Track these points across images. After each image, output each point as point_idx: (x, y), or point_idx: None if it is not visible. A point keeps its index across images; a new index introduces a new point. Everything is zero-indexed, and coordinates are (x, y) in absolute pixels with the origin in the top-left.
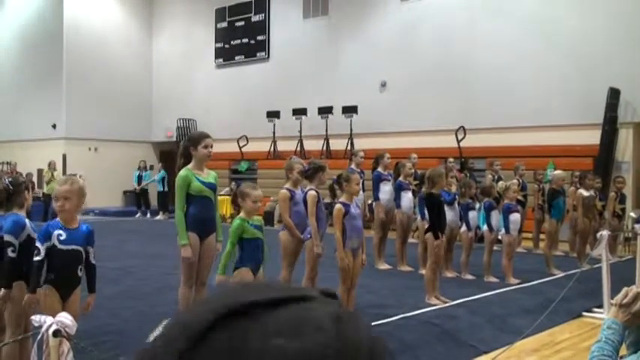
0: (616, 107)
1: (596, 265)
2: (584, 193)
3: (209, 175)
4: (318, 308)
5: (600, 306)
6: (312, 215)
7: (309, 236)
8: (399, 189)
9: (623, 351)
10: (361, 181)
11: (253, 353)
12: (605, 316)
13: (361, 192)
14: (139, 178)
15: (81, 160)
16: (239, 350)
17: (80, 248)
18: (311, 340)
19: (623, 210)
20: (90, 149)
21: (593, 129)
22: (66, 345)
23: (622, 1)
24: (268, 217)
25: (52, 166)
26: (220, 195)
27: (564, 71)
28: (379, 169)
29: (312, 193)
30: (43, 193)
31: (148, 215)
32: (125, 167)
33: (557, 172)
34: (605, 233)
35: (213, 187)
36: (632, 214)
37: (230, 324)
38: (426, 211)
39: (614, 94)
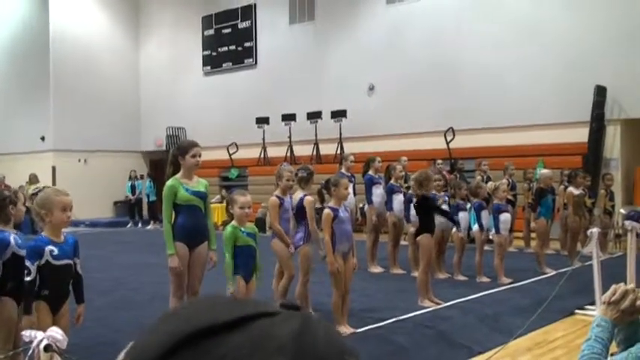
0: (603, 105)
1: (588, 263)
2: (575, 191)
3: (199, 184)
4: (280, 325)
5: (592, 303)
6: (311, 219)
7: (301, 243)
8: (390, 192)
9: (613, 348)
10: (352, 185)
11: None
12: (597, 313)
13: (351, 196)
14: (133, 188)
15: (70, 171)
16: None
17: (71, 262)
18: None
19: (613, 207)
20: (79, 161)
21: (581, 127)
22: (57, 359)
23: (608, 1)
24: (260, 224)
25: (32, 179)
26: (211, 203)
27: (551, 70)
28: (370, 173)
29: (310, 198)
30: (27, 207)
31: (140, 225)
32: (115, 178)
33: (545, 170)
34: (595, 230)
35: (202, 196)
36: (622, 211)
37: (187, 350)
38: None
39: (600, 92)
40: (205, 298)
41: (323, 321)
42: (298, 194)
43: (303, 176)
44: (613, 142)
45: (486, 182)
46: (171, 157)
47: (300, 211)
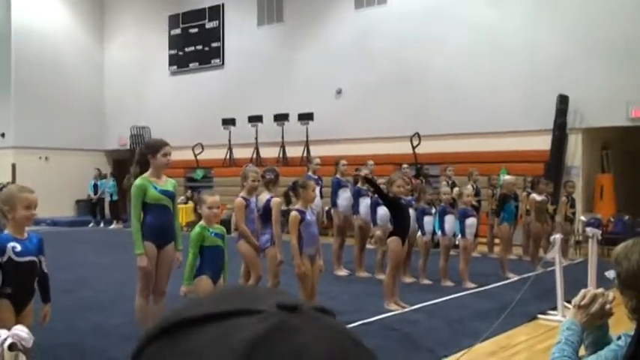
0: (565, 113)
1: (550, 268)
2: (537, 197)
3: (167, 183)
4: (247, 326)
5: (555, 308)
6: (276, 222)
7: (268, 245)
8: (357, 195)
9: (582, 352)
10: (319, 188)
11: None
12: (560, 317)
13: (318, 198)
14: (95, 187)
15: (31, 169)
16: None
17: (35, 259)
18: None
19: (574, 214)
20: (40, 158)
21: (543, 135)
22: (22, 359)
23: (571, 11)
24: (225, 225)
25: None
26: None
27: (515, 78)
28: (337, 176)
29: (277, 200)
30: None
31: (102, 225)
32: (77, 176)
33: (507, 177)
34: (558, 237)
35: (171, 195)
36: (583, 218)
37: (163, 339)
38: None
39: (563, 101)
40: (233, 287)
41: (313, 330)
42: (265, 196)
43: (271, 178)
44: (575, 150)
45: (451, 188)
46: (139, 156)
47: (266, 212)
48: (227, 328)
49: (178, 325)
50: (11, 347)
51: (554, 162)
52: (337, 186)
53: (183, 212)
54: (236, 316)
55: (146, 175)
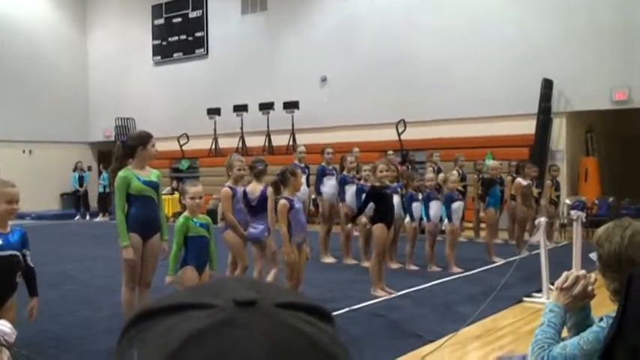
0: (550, 97)
1: (535, 252)
2: (523, 182)
3: (151, 174)
4: (192, 320)
5: (539, 291)
6: (272, 211)
7: (266, 234)
8: (343, 183)
9: (564, 334)
10: (305, 176)
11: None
12: (545, 300)
13: (305, 187)
14: (80, 180)
15: (14, 163)
16: (121, 356)
17: (17, 253)
18: (148, 356)
19: (558, 197)
20: (24, 151)
21: (528, 119)
22: (5, 354)
23: None
24: (211, 215)
25: None
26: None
27: (499, 63)
28: (323, 164)
29: (271, 189)
30: None
31: (87, 217)
32: (62, 169)
33: (491, 162)
34: (543, 220)
35: (155, 186)
36: (567, 201)
37: (133, 328)
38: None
39: (547, 85)
40: (213, 280)
41: (260, 327)
42: (257, 187)
43: (261, 169)
44: (559, 134)
45: (437, 173)
46: (128, 148)
47: (262, 203)
48: (177, 321)
49: (148, 314)
50: None
51: (539, 146)
52: (322, 174)
53: (169, 203)
54: (192, 309)
55: (130, 166)
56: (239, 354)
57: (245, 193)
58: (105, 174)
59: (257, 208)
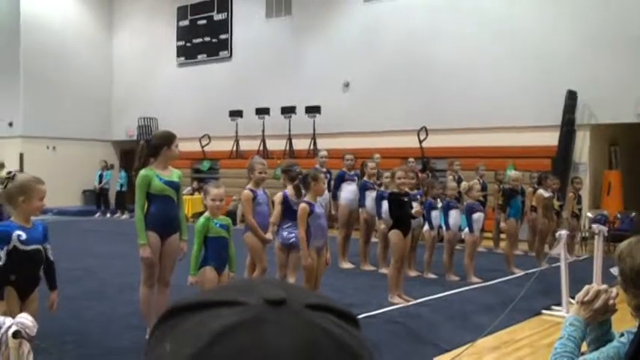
0: (574, 109)
1: (555, 264)
2: (544, 193)
3: (172, 174)
4: (223, 317)
5: (559, 304)
6: (302, 224)
7: (295, 239)
8: (363, 189)
9: (584, 348)
10: (327, 180)
11: (154, 354)
12: (564, 313)
13: (326, 191)
14: (100, 177)
15: (39, 158)
16: (153, 349)
17: (40, 247)
18: (181, 349)
19: (580, 210)
20: (48, 148)
21: (551, 130)
22: (26, 346)
23: (581, 6)
24: (231, 217)
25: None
26: (182, 194)
27: (524, 73)
28: (343, 169)
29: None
30: None
31: (108, 215)
32: (84, 166)
33: (513, 172)
34: (563, 233)
35: (176, 186)
36: (589, 214)
37: (165, 323)
38: (384, 210)
39: (571, 96)
40: (242, 279)
41: (288, 325)
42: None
43: (299, 172)
44: (582, 146)
45: (458, 182)
46: (151, 147)
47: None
48: (208, 317)
49: (180, 310)
50: (15, 335)
51: (562, 158)
52: (341, 179)
53: (190, 203)
54: (221, 306)
55: (152, 165)
56: (268, 349)
57: (286, 198)
58: (123, 172)
59: (289, 211)
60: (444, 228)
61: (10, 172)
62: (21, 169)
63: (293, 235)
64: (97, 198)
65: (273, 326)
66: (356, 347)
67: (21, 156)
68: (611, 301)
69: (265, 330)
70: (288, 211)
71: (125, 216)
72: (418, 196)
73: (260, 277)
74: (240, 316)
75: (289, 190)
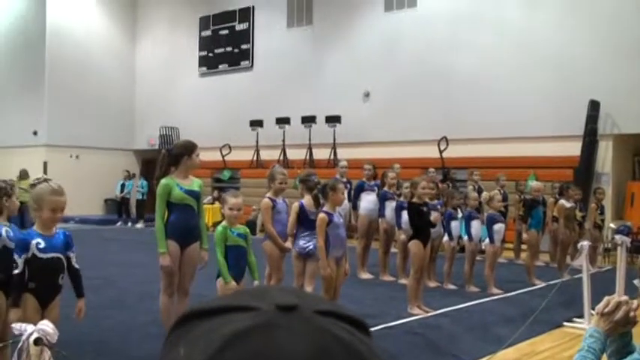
0: (596, 119)
1: (577, 276)
2: (566, 204)
3: (193, 183)
4: (235, 322)
5: (581, 316)
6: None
7: (312, 248)
8: (383, 199)
9: None
10: (347, 190)
11: (169, 358)
12: (586, 325)
13: (345, 201)
14: (122, 187)
15: (62, 167)
16: (167, 354)
17: (61, 255)
18: (194, 353)
19: (603, 221)
20: (71, 156)
21: (573, 140)
22: (47, 353)
23: (603, 15)
24: (251, 226)
25: (22, 175)
26: (203, 204)
27: (546, 83)
28: (363, 179)
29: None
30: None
31: (129, 224)
32: (106, 175)
33: (534, 182)
34: (585, 244)
35: (196, 195)
36: (612, 225)
37: (180, 328)
38: (404, 220)
39: (594, 107)
40: (259, 286)
41: (299, 331)
42: (311, 201)
43: (316, 182)
44: (605, 156)
45: (478, 192)
46: (172, 156)
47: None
48: (220, 322)
49: (194, 315)
50: (37, 342)
51: (584, 168)
52: (360, 189)
53: (210, 212)
54: (234, 312)
55: (172, 175)
56: (280, 354)
57: (303, 207)
58: (142, 181)
59: (314, 222)
60: (465, 238)
61: (38, 179)
62: None
63: (310, 244)
64: (118, 207)
65: (284, 331)
66: (366, 354)
67: (45, 165)
68: (632, 313)
69: (277, 335)
70: (305, 221)
71: (140, 225)
72: (438, 206)
73: (274, 284)
74: (252, 321)
75: (306, 200)
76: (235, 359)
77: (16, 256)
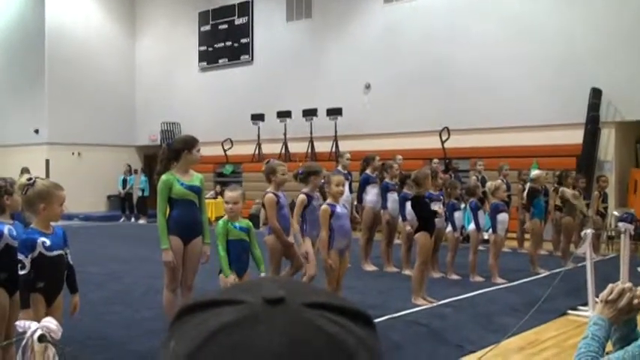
0: (598, 107)
1: (580, 264)
2: (569, 191)
3: (194, 178)
4: (221, 315)
5: (585, 304)
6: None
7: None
8: (385, 190)
9: (609, 348)
10: (348, 182)
11: (163, 352)
12: (590, 313)
13: (348, 193)
14: (124, 182)
15: (64, 164)
16: (163, 347)
17: (63, 252)
18: (179, 347)
19: (606, 209)
20: (73, 154)
21: (575, 129)
22: (51, 350)
23: (604, 3)
24: (253, 220)
25: (24, 173)
26: (205, 198)
27: (547, 71)
28: (368, 172)
29: (302, 197)
30: None
31: (132, 220)
32: (109, 172)
33: (536, 171)
34: (589, 231)
35: (197, 190)
36: (616, 213)
37: (178, 320)
38: (407, 211)
39: (596, 94)
40: (254, 279)
41: (281, 324)
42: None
43: (301, 174)
44: (607, 144)
45: (481, 182)
46: (173, 151)
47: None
48: (209, 316)
49: (189, 309)
50: (41, 339)
51: (587, 156)
52: (366, 182)
53: (213, 207)
54: (224, 305)
55: (173, 170)
56: (255, 348)
57: (310, 199)
58: (143, 177)
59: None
60: (468, 228)
61: (30, 179)
62: (47, 176)
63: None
64: (121, 203)
65: (263, 325)
66: (352, 345)
67: (47, 162)
68: (635, 300)
69: (255, 329)
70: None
71: (142, 221)
72: (440, 197)
73: (271, 276)
74: (237, 314)
75: (307, 189)
76: (214, 353)
77: (22, 256)
